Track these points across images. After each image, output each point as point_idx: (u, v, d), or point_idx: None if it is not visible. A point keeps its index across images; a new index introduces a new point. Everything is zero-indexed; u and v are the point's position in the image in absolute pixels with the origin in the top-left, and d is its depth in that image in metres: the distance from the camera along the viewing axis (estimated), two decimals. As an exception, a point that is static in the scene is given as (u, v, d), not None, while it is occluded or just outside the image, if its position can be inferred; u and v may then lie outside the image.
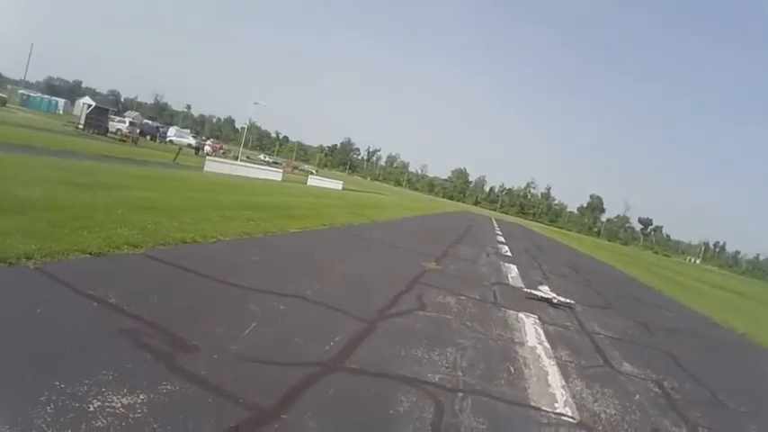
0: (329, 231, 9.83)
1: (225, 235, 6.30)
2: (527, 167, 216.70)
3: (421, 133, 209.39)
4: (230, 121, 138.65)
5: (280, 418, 2.29)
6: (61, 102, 63.87)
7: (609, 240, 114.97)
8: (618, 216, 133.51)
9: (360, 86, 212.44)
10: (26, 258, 3.59)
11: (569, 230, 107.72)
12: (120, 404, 2.08)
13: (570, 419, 3.10)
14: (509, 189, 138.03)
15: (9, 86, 70.53)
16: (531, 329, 5.26)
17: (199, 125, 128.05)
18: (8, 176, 7.20)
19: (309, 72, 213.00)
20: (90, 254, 4.10)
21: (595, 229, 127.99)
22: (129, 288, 3.53)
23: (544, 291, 7.29)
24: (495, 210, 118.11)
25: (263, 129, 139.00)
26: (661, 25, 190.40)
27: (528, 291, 7.43)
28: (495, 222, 41.98)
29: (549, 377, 3.82)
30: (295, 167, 63.74)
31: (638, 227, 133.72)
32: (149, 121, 57.50)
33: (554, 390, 3.56)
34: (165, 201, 8.04)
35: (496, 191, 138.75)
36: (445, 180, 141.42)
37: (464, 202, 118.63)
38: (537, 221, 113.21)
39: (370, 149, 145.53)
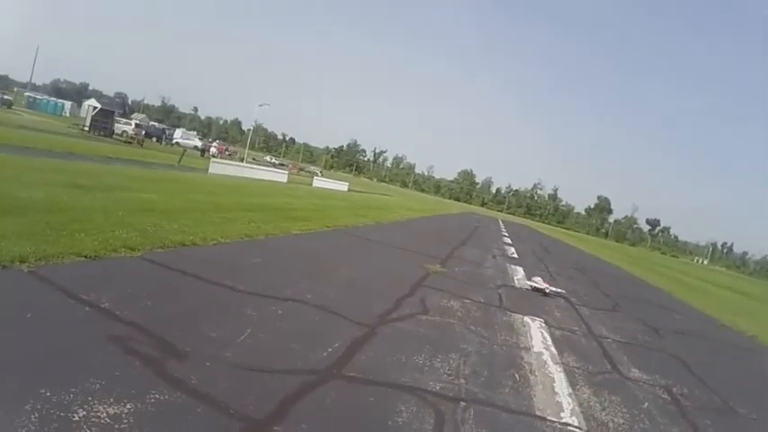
0: (332, 233, 9.75)
1: (225, 237, 6.23)
2: (534, 169, 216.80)
3: (427, 135, 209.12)
4: (237, 123, 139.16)
5: (272, 430, 2.19)
6: (68, 104, 64.50)
7: (617, 241, 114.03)
8: (626, 217, 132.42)
9: (365, 88, 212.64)
10: (20, 261, 3.54)
11: (577, 232, 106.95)
12: (105, 414, 2.02)
13: (577, 430, 2.99)
14: (516, 190, 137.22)
15: (16, 89, 71.22)
16: (536, 333, 5.14)
17: (206, 127, 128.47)
18: (11, 178, 7.20)
19: (313, 74, 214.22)
20: (86, 257, 4.04)
21: (603, 231, 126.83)
22: (123, 292, 3.46)
23: (537, 281, 8.00)
24: (501, 211, 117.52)
25: (269, 131, 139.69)
26: (670, 23, 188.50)
27: (524, 283, 8.16)
28: (501, 224, 41.67)
29: (555, 384, 3.70)
30: (301, 169, 63.71)
31: (646, 228, 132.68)
32: (156, 124, 57.83)
33: (560, 398, 3.44)
34: (167, 203, 8.00)
35: (503, 192, 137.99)
36: (452, 181, 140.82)
37: (471, 204, 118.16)
38: (544, 223, 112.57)
39: (377, 151, 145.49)
